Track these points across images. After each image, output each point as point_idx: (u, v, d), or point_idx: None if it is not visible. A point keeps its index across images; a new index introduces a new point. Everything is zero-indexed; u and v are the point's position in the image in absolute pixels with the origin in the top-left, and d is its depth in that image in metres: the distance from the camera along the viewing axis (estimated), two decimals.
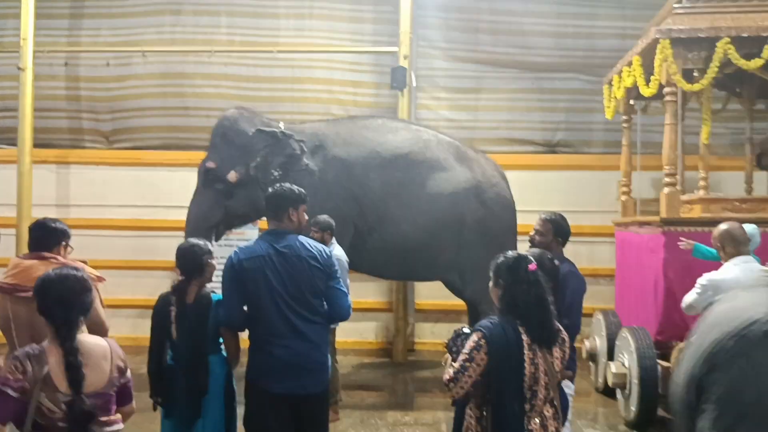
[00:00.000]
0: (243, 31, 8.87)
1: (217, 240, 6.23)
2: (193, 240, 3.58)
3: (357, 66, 8.83)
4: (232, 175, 6.03)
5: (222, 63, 8.78)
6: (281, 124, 6.29)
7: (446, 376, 2.58)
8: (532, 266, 2.66)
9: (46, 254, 3.20)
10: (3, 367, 2.29)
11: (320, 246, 3.26)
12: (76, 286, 2.35)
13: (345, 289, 3.31)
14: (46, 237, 3.28)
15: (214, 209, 6.13)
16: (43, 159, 8.58)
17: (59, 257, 3.21)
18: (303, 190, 3.32)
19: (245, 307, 3.21)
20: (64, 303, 2.30)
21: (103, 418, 2.29)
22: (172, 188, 6.69)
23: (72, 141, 9.08)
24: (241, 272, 3.12)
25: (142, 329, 7.62)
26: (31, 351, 2.26)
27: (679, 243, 4.93)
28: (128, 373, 2.43)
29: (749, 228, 3.99)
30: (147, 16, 8.93)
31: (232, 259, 3.15)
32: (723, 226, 3.86)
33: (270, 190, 3.38)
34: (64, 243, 3.34)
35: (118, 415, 2.39)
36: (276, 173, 5.92)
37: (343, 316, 3.33)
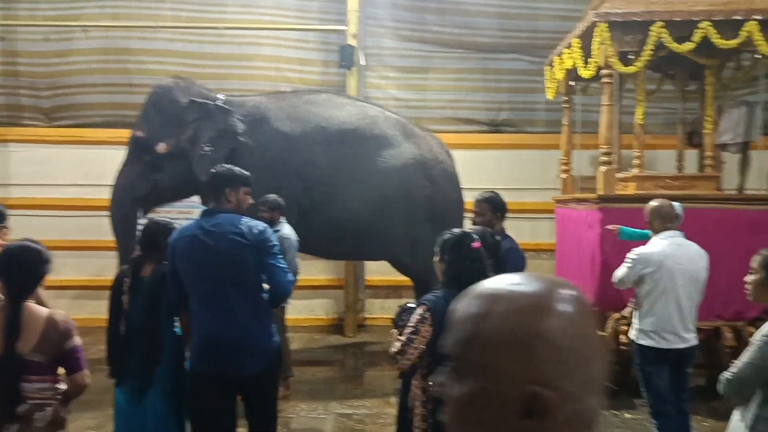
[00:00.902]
0: (189, 7, 8.73)
1: (144, 213, 5.91)
2: (158, 218, 3.59)
3: (305, 44, 8.82)
4: (161, 147, 5.76)
5: (167, 39, 8.64)
6: (220, 97, 6.02)
7: (393, 350, 2.71)
8: (476, 244, 2.81)
9: None
10: None
11: (252, 223, 3.14)
12: (34, 256, 2.62)
13: (283, 265, 3.16)
14: None
15: (140, 180, 5.84)
16: None
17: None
18: (246, 173, 3.27)
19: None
20: (22, 269, 2.58)
21: (33, 377, 2.52)
22: (116, 166, 6.57)
23: (10, 118, 8.81)
24: (173, 252, 3.13)
25: (87, 309, 7.57)
26: None
27: (606, 227, 5.19)
28: (71, 343, 2.59)
29: (676, 206, 4.24)
30: None
31: (170, 239, 3.19)
32: (653, 203, 4.08)
33: (211, 170, 3.31)
34: (3, 226, 3.27)
35: (55, 378, 2.60)
36: (207, 147, 5.69)
37: (282, 293, 3.16)
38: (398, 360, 2.68)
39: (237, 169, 3.29)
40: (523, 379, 0.79)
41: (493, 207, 3.90)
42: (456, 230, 2.97)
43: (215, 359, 3.09)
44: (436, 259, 2.88)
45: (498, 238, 3.51)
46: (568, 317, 0.82)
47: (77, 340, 2.63)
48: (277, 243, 3.22)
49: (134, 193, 5.85)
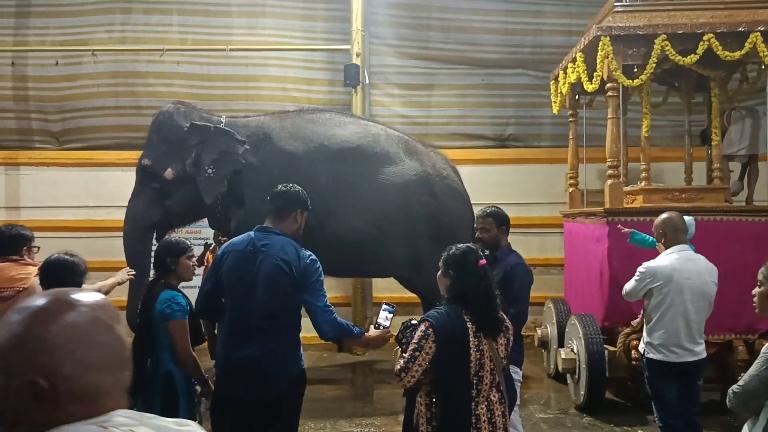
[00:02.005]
0: (195, 29, 8.85)
1: (158, 240, 5.83)
2: (172, 239, 3.57)
3: (310, 63, 8.90)
4: (168, 173, 5.79)
5: (174, 61, 8.73)
6: (222, 119, 6.07)
7: (397, 367, 2.69)
8: (482, 261, 2.79)
9: (15, 257, 3.40)
10: None
11: (302, 253, 3.07)
12: (66, 269, 2.91)
13: (323, 304, 3.06)
14: (7, 244, 3.46)
15: (151, 208, 5.89)
16: None
17: (26, 258, 3.40)
18: (308, 197, 3.27)
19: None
20: (59, 281, 2.75)
21: None
22: (126, 188, 6.61)
23: (21, 142, 8.93)
24: (220, 262, 3.11)
25: None
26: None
27: (618, 227, 5.18)
28: None
29: (687, 219, 4.22)
30: (96, 15, 8.84)
31: (220, 249, 3.18)
32: (664, 216, 4.06)
33: (279, 187, 3.25)
34: (26, 247, 3.51)
35: None
36: (209, 170, 5.72)
37: (323, 336, 3.09)
38: (402, 377, 2.65)
39: (302, 190, 3.27)
40: (26, 371, 1.03)
41: (497, 221, 3.86)
42: (461, 245, 2.92)
43: (234, 383, 3.04)
44: (439, 273, 2.86)
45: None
46: (66, 321, 1.07)
47: None
48: (322, 277, 3.12)
49: (146, 221, 5.91)
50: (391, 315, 3.29)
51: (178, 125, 5.90)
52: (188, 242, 3.60)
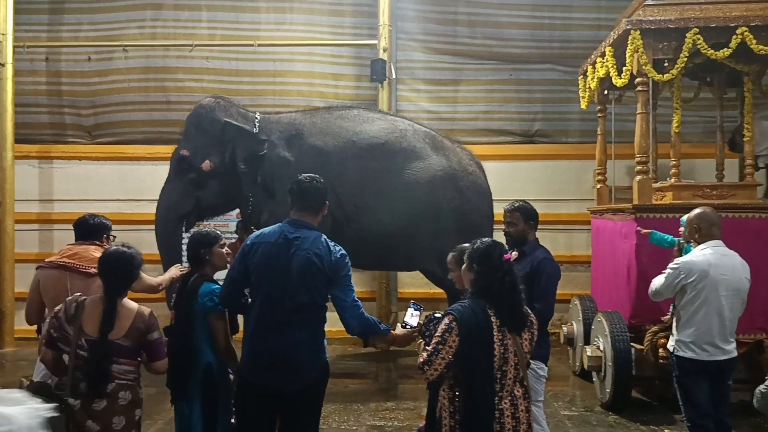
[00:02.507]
0: (224, 26, 8.93)
1: (187, 230, 6.14)
2: (203, 231, 3.62)
3: (337, 59, 8.92)
4: (206, 165, 5.95)
5: (203, 57, 8.82)
6: (257, 115, 6.28)
7: (420, 360, 2.69)
8: (507, 255, 2.79)
9: (97, 242, 3.81)
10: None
11: (335, 248, 3.10)
12: (124, 261, 3.08)
13: (350, 300, 3.08)
14: (88, 232, 3.85)
15: (185, 199, 6.05)
16: (25, 154, 8.61)
17: (106, 245, 3.75)
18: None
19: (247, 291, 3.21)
20: (114, 272, 3.05)
21: (122, 360, 2.97)
22: (156, 182, 6.74)
23: (54, 136, 9.09)
24: (247, 253, 3.11)
25: None
26: (74, 298, 3.04)
27: (637, 230, 5.11)
28: (155, 335, 3.06)
29: None
30: (128, 11, 8.96)
31: (248, 239, 3.20)
32: (698, 210, 3.98)
33: (304, 179, 3.24)
34: (105, 235, 3.92)
35: (137, 363, 3.06)
36: (242, 167, 5.98)
37: (350, 331, 3.12)
38: (425, 371, 2.66)
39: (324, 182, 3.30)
40: None
41: (525, 216, 3.83)
42: (486, 239, 2.91)
43: (259, 373, 3.07)
44: (464, 267, 2.85)
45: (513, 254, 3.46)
46: None
47: (158, 334, 3.09)
48: (351, 273, 3.14)
49: (179, 210, 6.08)
50: (418, 314, 3.30)
51: (218, 119, 6.08)
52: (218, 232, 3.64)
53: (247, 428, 3.15)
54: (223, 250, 3.51)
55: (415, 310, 3.31)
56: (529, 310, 2.82)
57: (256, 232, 3.25)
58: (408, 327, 3.26)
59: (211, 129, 6.05)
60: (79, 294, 3.12)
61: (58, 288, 3.65)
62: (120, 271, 3.06)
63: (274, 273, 3.04)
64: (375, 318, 3.27)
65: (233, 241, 6.93)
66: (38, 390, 2.86)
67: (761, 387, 2.51)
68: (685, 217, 4.17)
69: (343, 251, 3.13)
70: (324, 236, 3.15)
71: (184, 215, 6.13)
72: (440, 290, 6.82)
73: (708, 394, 3.78)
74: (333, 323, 3.21)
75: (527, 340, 2.75)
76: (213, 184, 6.04)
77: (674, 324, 3.96)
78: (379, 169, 6.15)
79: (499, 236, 4.15)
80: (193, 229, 5.89)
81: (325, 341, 3.22)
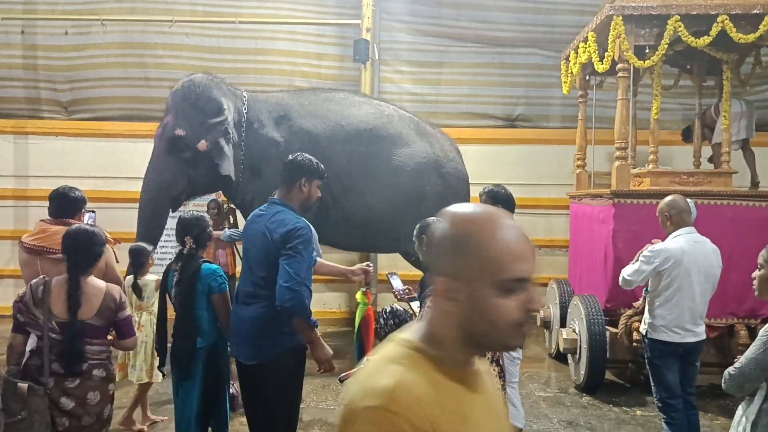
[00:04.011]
0: (205, 2, 8.79)
1: (174, 210, 6.07)
2: (195, 212, 3.64)
3: (320, 38, 8.83)
4: (202, 145, 5.79)
5: (184, 33, 8.69)
6: (245, 93, 6.23)
7: None
8: None
9: (70, 221, 3.60)
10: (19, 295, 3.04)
11: (290, 221, 3.06)
12: (86, 239, 3.03)
13: (292, 270, 2.96)
14: (67, 206, 3.68)
15: (177, 178, 5.89)
16: (0, 129, 8.46)
17: (80, 223, 3.56)
18: (322, 166, 3.30)
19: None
20: (76, 249, 2.99)
21: (92, 340, 2.95)
22: (134, 159, 6.66)
23: (30, 111, 8.94)
24: (243, 230, 3.36)
25: None
26: (38, 281, 2.99)
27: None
28: (124, 313, 3.06)
29: (689, 202, 4.19)
30: None
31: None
32: (668, 198, 4.04)
33: (289, 157, 3.30)
34: (83, 210, 3.79)
35: (105, 341, 3.05)
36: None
37: (279, 300, 2.95)
38: None
39: (315, 159, 3.28)
40: None
41: (495, 201, 3.80)
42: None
43: (233, 344, 3.28)
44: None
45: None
46: None
47: (128, 311, 3.11)
48: (302, 245, 3.02)
49: (171, 191, 5.90)
50: (397, 277, 3.62)
51: (215, 98, 5.92)
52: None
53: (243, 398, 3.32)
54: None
55: (393, 277, 3.62)
56: None
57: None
58: (400, 292, 3.48)
59: (209, 107, 5.88)
60: (42, 276, 3.08)
61: (31, 270, 3.58)
62: (82, 249, 3.01)
63: (247, 248, 3.26)
64: (310, 310, 3.12)
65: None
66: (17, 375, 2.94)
67: (730, 369, 2.56)
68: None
69: (300, 224, 3.07)
70: (287, 210, 3.13)
71: (175, 195, 5.98)
72: (420, 273, 6.86)
73: (678, 375, 3.87)
74: (313, 304, 3.19)
75: None
76: (206, 163, 5.87)
77: (646, 308, 4.02)
78: (366, 154, 6.24)
79: None
80: (182, 209, 5.80)
81: (289, 327, 3.10)
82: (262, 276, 3.09)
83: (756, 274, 2.71)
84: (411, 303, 3.47)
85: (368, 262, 4.12)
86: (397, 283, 3.56)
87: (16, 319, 2.99)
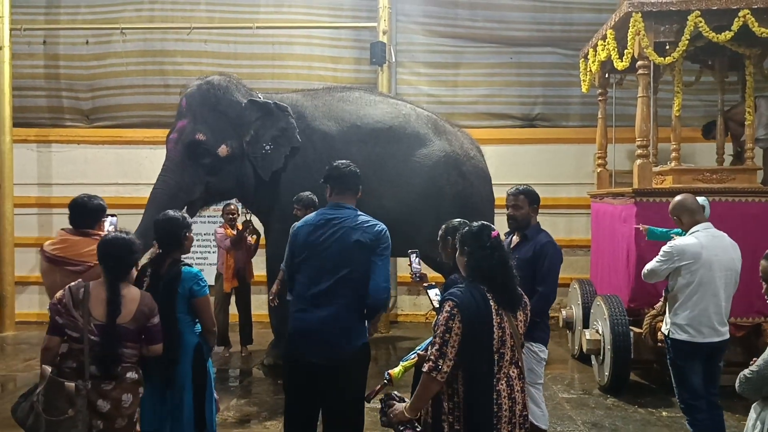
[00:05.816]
0: (222, 8, 8.87)
1: (191, 216, 5.72)
2: (171, 213, 3.56)
3: (336, 42, 8.86)
4: (223, 150, 5.65)
5: (202, 40, 8.77)
6: (260, 95, 6.08)
7: (431, 358, 2.57)
8: (495, 233, 2.78)
9: (90, 231, 3.59)
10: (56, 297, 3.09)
11: (373, 221, 3.24)
12: (124, 247, 3.10)
13: (385, 270, 3.18)
14: (87, 215, 3.65)
15: (196, 184, 5.72)
16: (23, 138, 8.60)
17: (101, 233, 3.56)
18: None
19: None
20: (114, 258, 3.07)
21: (130, 343, 3.05)
22: (154, 166, 6.70)
23: (52, 120, 9.06)
24: (291, 238, 3.32)
25: None
26: (78, 284, 3.07)
27: (635, 227, 5.10)
28: (155, 320, 3.12)
29: (700, 199, 4.13)
30: None
31: (294, 225, 3.39)
32: (677, 199, 3.99)
33: (341, 165, 3.35)
34: (103, 219, 3.74)
35: (137, 346, 3.10)
36: (267, 147, 5.76)
37: (376, 293, 3.13)
38: (439, 366, 2.53)
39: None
40: None
41: (531, 200, 3.85)
42: (474, 222, 2.90)
43: (298, 345, 3.21)
44: (457, 255, 2.84)
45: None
46: None
47: (158, 318, 3.15)
48: (389, 247, 3.23)
49: (188, 197, 5.71)
50: (416, 257, 3.73)
51: (237, 101, 5.84)
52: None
53: (293, 402, 3.26)
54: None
55: (413, 256, 3.74)
56: (521, 291, 2.81)
57: (302, 219, 3.38)
58: (416, 273, 3.64)
59: (231, 111, 5.75)
60: (80, 280, 3.14)
61: (50, 279, 3.60)
62: (119, 257, 3.08)
63: (316, 252, 3.19)
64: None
65: (249, 224, 6.87)
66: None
67: (746, 371, 2.51)
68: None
69: (385, 227, 3.26)
70: (364, 214, 3.29)
71: (192, 202, 5.79)
72: (438, 275, 6.83)
73: (701, 375, 3.80)
74: None
75: (522, 321, 2.75)
76: (228, 169, 5.74)
77: (668, 307, 3.96)
78: (383, 155, 6.11)
79: (500, 220, 4.15)
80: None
81: (366, 322, 3.28)
82: (342, 276, 3.14)
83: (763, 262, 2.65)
84: (429, 291, 3.44)
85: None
86: (415, 263, 3.66)
87: (53, 321, 3.04)
